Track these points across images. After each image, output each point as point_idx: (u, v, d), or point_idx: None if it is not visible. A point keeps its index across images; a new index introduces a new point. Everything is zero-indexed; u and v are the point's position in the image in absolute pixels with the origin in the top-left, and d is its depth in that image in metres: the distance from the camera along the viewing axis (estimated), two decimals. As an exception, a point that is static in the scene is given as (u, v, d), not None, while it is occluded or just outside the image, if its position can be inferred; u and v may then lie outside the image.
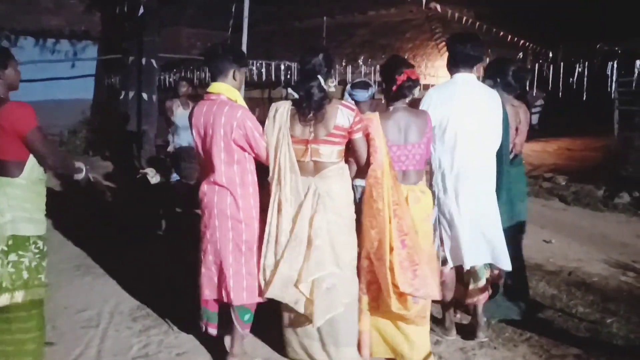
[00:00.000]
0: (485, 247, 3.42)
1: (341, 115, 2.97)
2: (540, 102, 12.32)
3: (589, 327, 3.84)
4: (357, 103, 4.06)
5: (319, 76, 3.01)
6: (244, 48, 5.64)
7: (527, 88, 9.21)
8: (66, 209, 6.33)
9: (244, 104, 3.22)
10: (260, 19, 16.17)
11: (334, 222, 3.03)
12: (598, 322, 3.90)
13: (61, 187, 8.08)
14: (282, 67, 13.06)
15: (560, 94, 10.80)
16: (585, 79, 10.46)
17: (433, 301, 3.32)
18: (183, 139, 6.88)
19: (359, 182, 3.37)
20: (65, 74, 15.58)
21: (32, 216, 2.87)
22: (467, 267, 3.42)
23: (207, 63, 3.22)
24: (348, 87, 4.85)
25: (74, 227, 6.06)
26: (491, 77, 3.71)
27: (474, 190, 3.35)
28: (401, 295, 3.04)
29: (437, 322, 3.75)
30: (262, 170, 3.20)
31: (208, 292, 3.28)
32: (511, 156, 3.79)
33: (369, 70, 12.32)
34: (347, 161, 3.18)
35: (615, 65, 10.54)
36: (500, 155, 3.53)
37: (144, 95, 10.43)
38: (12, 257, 2.82)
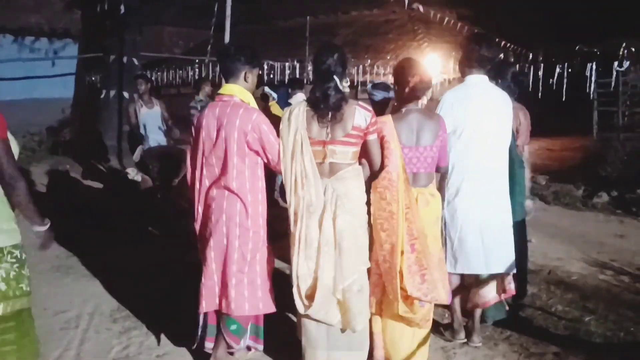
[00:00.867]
0: (491, 257, 3.40)
1: (359, 115, 2.93)
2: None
3: (567, 325, 3.89)
4: (373, 104, 3.95)
5: (335, 76, 2.94)
6: (226, 47, 5.62)
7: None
8: (44, 210, 6.25)
9: (256, 106, 3.14)
10: (243, 18, 16.11)
11: (353, 223, 2.97)
12: (577, 320, 3.95)
13: (42, 188, 7.98)
14: (265, 66, 13.02)
15: (540, 94, 10.91)
16: (564, 79, 10.58)
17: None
18: (152, 139, 6.79)
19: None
20: (45, 72, 15.43)
21: (1, 227, 2.67)
22: (468, 272, 3.45)
23: (219, 63, 3.13)
24: (368, 86, 4.88)
25: (53, 228, 5.98)
26: (492, 79, 3.71)
27: (488, 191, 3.38)
28: (407, 299, 3.03)
29: (438, 325, 3.77)
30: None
31: (208, 304, 3.11)
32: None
33: (352, 70, 12.34)
34: (360, 163, 3.12)
35: (594, 67, 10.68)
36: (511, 156, 3.58)
37: (125, 94, 10.33)
38: None
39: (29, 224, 2.72)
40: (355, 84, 12.55)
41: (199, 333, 3.24)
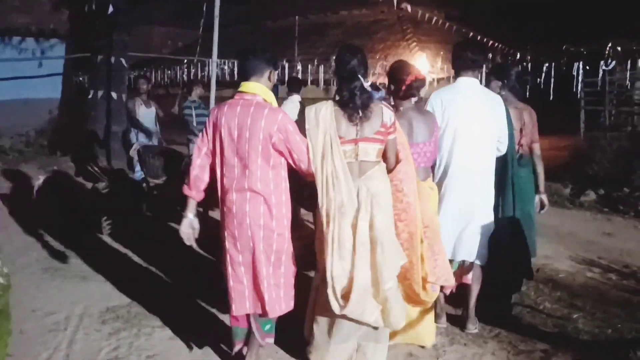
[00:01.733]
0: (463, 245, 3.57)
1: (385, 114, 3.01)
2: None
3: (556, 322, 3.92)
4: None
5: (360, 76, 2.99)
6: (215, 47, 5.60)
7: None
8: (32, 211, 6.21)
9: (277, 105, 3.12)
10: (233, 18, 16.09)
11: (387, 221, 3.02)
12: (565, 318, 3.99)
13: (30, 189, 7.91)
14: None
15: (527, 94, 10.98)
16: (552, 79, 10.66)
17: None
18: (146, 138, 6.84)
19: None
20: (32, 72, 15.26)
21: None
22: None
23: (243, 61, 3.06)
24: None
25: (41, 229, 5.95)
26: (498, 80, 3.82)
27: (471, 189, 3.52)
28: (422, 284, 3.23)
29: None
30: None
31: (240, 308, 3.05)
32: (517, 156, 3.96)
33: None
34: None
35: (580, 66, 10.77)
36: (506, 158, 3.71)
37: (113, 95, 10.27)
38: None
39: None
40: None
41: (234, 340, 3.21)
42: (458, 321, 3.84)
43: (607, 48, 10.88)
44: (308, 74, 13.02)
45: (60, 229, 6.13)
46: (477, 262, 3.64)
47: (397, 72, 3.37)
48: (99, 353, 3.44)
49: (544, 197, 4.23)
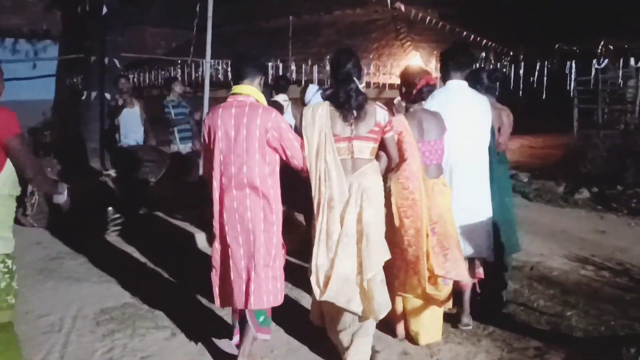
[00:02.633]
0: (471, 242, 3.70)
1: (379, 114, 3.18)
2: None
3: (549, 320, 3.94)
4: None
5: (355, 78, 3.16)
6: (208, 48, 5.59)
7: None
8: (23, 213, 6.19)
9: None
10: (226, 18, 16.07)
11: (376, 215, 3.18)
12: (558, 315, 4.00)
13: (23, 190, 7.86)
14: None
15: (521, 92, 11.03)
16: (545, 78, 10.69)
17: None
18: (131, 138, 6.81)
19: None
20: (25, 74, 15.17)
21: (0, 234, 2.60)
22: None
23: (237, 66, 3.21)
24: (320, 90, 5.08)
25: (35, 231, 5.93)
26: (472, 86, 3.93)
27: (467, 184, 3.69)
28: (430, 279, 3.37)
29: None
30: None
31: (239, 301, 3.13)
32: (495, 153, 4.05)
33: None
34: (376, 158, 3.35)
35: (573, 65, 10.80)
36: (490, 154, 3.86)
37: (107, 96, 10.22)
38: None
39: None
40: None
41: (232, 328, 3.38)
42: (452, 318, 3.86)
43: (600, 46, 10.92)
44: (302, 74, 13.00)
45: (54, 230, 6.12)
46: (485, 257, 3.79)
47: (410, 76, 3.57)
48: (93, 354, 3.44)
49: None
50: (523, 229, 6.30)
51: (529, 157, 11.73)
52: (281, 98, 6.73)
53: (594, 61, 10.67)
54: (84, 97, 10.70)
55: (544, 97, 10.67)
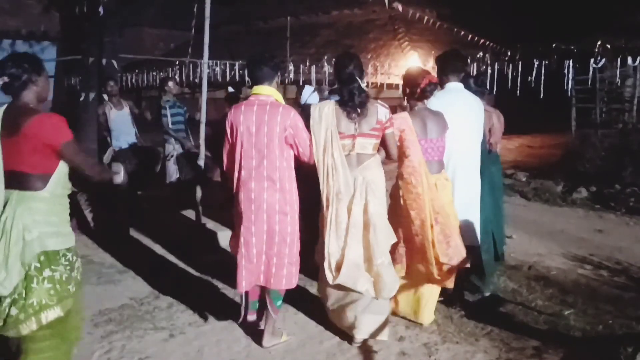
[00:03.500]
0: (467, 232, 3.92)
1: (381, 111, 3.42)
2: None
3: (547, 319, 3.94)
4: None
5: (357, 78, 3.41)
6: (206, 49, 5.58)
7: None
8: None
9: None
10: (224, 19, 16.08)
11: (380, 206, 3.46)
12: (556, 315, 4.01)
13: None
14: (247, 67, 12.93)
15: (518, 92, 11.03)
16: (542, 77, 10.70)
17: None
18: (122, 141, 6.79)
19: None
20: (23, 75, 15.16)
21: (59, 230, 2.74)
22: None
23: (254, 68, 3.45)
24: (326, 92, 5.39)
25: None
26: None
27: (465, 179, 3.96)
28: (435, 264, 3.64)
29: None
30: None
31: (249, 282, 3.43)
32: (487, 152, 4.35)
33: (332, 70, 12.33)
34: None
35: (571, 64, 10.81)
36: (482, 155, 4.15)
37: (105, 97, 10.22)
38: (47, 272, 2.67)
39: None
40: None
41: (243, 310, 3.59)
42: (450, 320, 3.87)
43: (597, 46, 10.92)
44: (300, 74, 13.00)
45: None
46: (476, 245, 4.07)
47: (413, 76, 3.79)
48: (92, 356, 3.43)
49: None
50: (521, 229, 6.35)
51: (527, 156, 11.75)
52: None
53: (592, 60, 10.67)
54: (82, 99, 10.69)
55: (541, 96, 10.67)
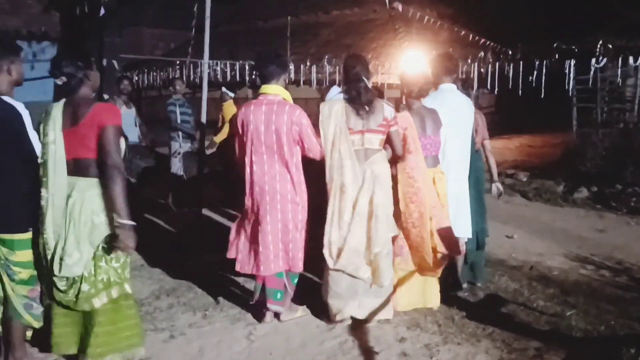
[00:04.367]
0: (458, 223, 4.10)
1: (387, 109, 3.68)
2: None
3: (549, 320, 3.93)
4: None
5: (363, 77, 3.63)
6: (207, 48, 5.57)
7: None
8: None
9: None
10: (224, 19, 16.07)
11: (385, 198, 3.68)
12: (558, 315, 4.00)
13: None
14: (247, 67, 12.96)
15: (520, 91, 11.01)
16: (543, 76, 10.68)
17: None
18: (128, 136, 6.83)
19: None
20: (24, 75, 15.17)
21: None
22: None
23: (261, 67, 3.66)
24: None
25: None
26: None
27: (456, 173, 4.16)
28: (432, 254, 3.87)
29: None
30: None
31: (266, 269, 3.65)
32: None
33: (333, 70, 12.32)
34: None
35: (572, 64, 10.79)
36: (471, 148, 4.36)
37: (105, 97, 10.22)
38: (112, 254, 2.96)
39: (115, 217, 2.87)
40: (337, 83, 12.54)
41: (257, 295, 3.84)
42: (451, 321, 3.86)
43: (598, 45, 10.88)
44: (300, 74, 12.98)
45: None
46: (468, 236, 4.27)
47: (410, 76, 4.02)
48: (92, 357, 3.42)
49: (499, 185, 4.81)
50: (522, 229, 6.34)
51: (528, 156, 11.74)
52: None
53: (593, 60, 10.64)
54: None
55: (542, 96, 10.65)
